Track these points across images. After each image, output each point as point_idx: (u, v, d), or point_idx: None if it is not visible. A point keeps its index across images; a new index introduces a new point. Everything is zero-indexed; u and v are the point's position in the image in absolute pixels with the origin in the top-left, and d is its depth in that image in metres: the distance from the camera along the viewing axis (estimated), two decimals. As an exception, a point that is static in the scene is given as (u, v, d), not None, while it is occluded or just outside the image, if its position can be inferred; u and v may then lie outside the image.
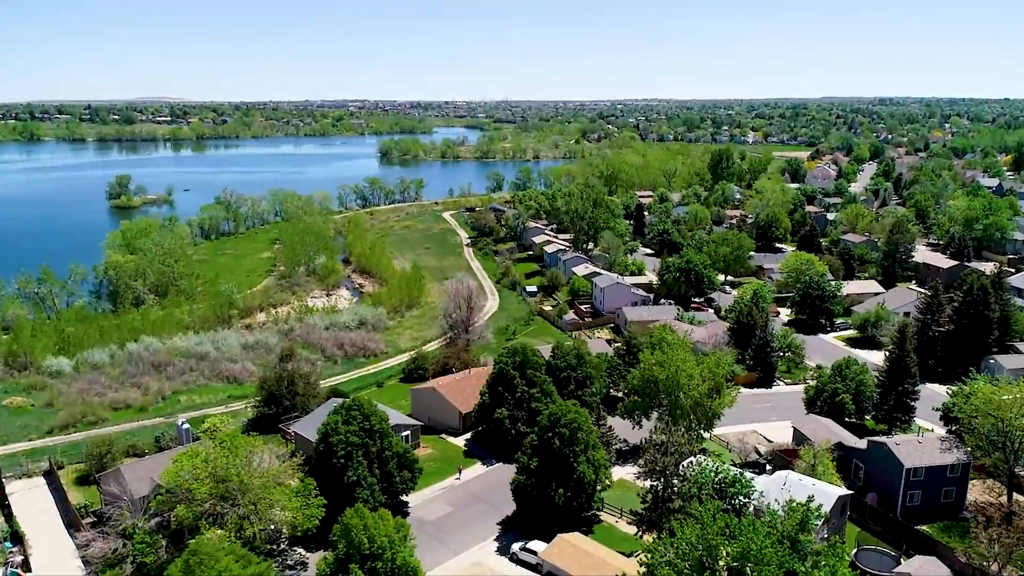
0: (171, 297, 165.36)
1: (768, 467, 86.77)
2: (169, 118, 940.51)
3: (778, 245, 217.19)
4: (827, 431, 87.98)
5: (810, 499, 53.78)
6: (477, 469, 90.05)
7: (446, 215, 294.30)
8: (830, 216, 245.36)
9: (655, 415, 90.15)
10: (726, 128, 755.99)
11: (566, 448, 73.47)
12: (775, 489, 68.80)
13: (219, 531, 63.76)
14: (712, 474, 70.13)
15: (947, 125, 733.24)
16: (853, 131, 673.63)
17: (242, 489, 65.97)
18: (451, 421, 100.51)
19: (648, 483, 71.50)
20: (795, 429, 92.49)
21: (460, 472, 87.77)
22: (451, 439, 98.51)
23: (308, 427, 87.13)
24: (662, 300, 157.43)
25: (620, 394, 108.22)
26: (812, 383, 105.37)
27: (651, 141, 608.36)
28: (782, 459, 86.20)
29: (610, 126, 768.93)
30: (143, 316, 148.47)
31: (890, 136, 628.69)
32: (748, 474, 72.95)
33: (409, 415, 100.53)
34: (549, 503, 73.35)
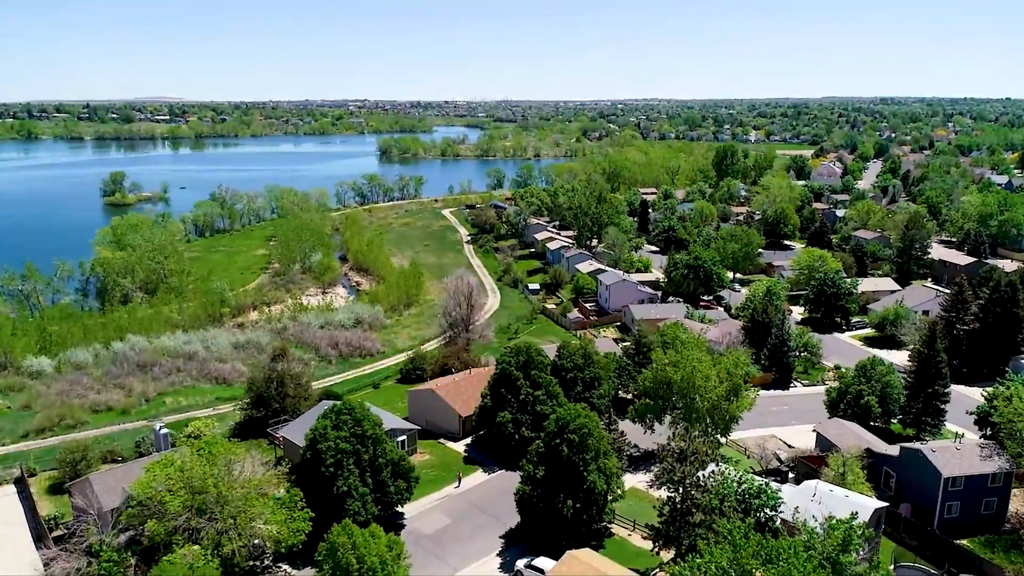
0: (161, 295, 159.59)
1: (791, 475, 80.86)
2: (168, 117, 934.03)
3: (787, 242, 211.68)
4: (854, 436, 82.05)
5: (853, 516, 47.95)
6: (478, 477, 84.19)
7: (446, 212, 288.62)
8: (839, 212, 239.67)
9: (668, 419, 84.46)
10: (728, 127, 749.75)
11: (575, 456, 67.50)
12: (805, 501, 62.99)
13: (195, 547, 57.74)
14: (735, 484, 64.19)
15: (950, 124, 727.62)
16: (856, 129, 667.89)
17: (220, 501, 59.98)
18: (450, 425, 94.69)
19: (664, 493, 65.72)
20: (818, 434, 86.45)
21: (460, 480, 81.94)
22: (450, 444, 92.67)
23: (297, 431, 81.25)
24: (669, 298, 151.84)
25: (630, 396, 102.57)
26: (833, 384, 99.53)
27: (653, 140, 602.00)
28: (806, 467, 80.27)
29: (611, 125, 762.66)
30: (130, 314, 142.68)
31: (893, 134, 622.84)
32: (773, 484, 67.05)
33: (405, 418, 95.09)
34: (557, 515, 67.41)
